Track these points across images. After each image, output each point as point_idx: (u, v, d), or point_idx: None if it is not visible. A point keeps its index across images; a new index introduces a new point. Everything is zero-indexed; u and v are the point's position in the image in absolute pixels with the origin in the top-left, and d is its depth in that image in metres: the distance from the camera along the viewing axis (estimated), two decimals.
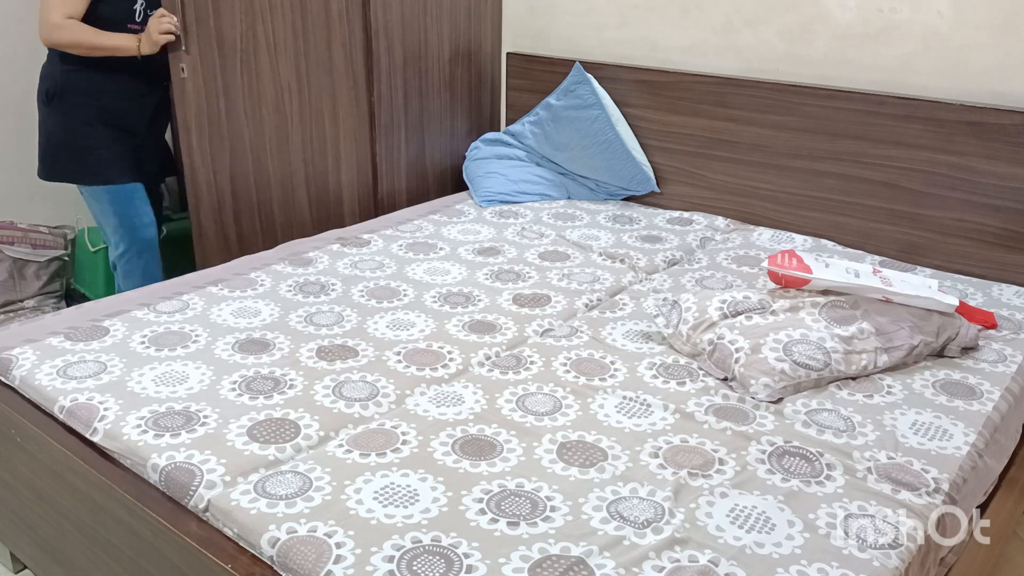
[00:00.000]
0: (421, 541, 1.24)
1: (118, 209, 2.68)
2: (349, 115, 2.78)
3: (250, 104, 2.83)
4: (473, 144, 3.08)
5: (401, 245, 2.44)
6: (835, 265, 1.88)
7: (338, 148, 2.82)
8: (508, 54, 3.12)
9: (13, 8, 2.97)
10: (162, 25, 2.55)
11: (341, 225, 2.77)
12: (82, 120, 2.58)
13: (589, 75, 2.87)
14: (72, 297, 3.19)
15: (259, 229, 3.00)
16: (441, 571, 1.18)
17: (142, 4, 2.57)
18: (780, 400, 1.65)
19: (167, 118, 2.92)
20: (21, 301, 3.02)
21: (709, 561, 1.21)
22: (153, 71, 2.71)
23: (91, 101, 2.57)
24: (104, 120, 2.60)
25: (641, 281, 2.24)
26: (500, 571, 1.19)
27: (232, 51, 2.79)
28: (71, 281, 3.20)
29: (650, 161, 2.84)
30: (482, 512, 1.31)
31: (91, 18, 2.46)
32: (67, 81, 2.53)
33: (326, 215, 2.89)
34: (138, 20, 2.57)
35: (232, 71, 2.81)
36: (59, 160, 2.63)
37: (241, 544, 1.29)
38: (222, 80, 2.83)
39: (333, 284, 2.16)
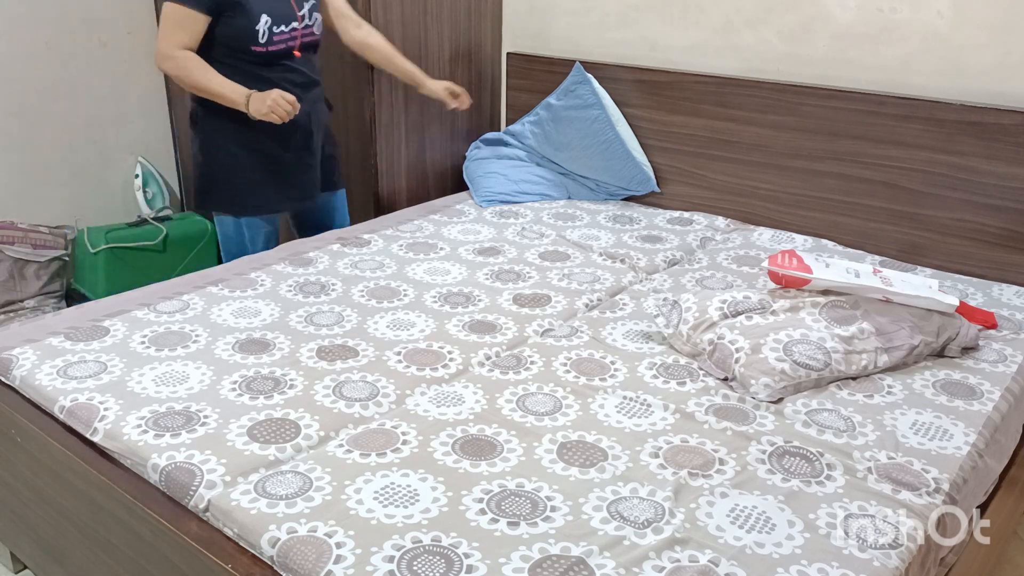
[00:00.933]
0: (421, 541, 1.24)
1: (241, 238, 2.45)
2: (354, 112, 2.79)
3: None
4: (473, 144, 3.08)
5: (401, 245, 2.44)
6: (835, 265, 1.88)
7: (348, 143, 2.86)
8: (508, 54, 3.12)
9: (13, 8, 2.97)
10: (281, 106, 2.18)
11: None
12: (220, 145, 2.35)
13: (589, 75, 2.87)
14: (72, 297, 3.18)
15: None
16: (441, 571, 1.18)
17: (267, 23, 2.24)
18: (780, 400, 1.65)
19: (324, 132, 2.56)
20: (21, 301, 3.02)
21: (709, 561, 1.21)
22: (301, 87, 2.37)
23: (228, 124, 2.31)
24: (243, 144, 2.33)
25: (641, 281, 2.24)
26: (500, 571, 1.19)
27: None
28: (71, 281, 3.19)
29: (650, 161, 2.84)
30: (482, 512, 1.31)
31: (211, 39, 2.22)
32: (206, 102, 2.29)
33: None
34: (262, 41, 2.24)
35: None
36: (207, 189, 2.41)
37: (241, 544, 1.29)
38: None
39: (333, 284, 2.16)
